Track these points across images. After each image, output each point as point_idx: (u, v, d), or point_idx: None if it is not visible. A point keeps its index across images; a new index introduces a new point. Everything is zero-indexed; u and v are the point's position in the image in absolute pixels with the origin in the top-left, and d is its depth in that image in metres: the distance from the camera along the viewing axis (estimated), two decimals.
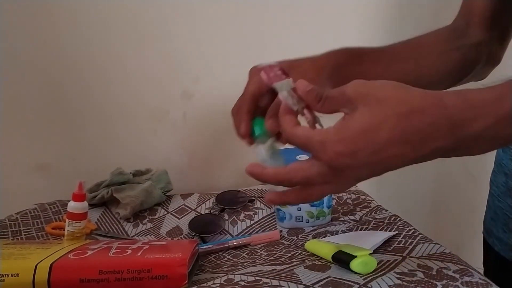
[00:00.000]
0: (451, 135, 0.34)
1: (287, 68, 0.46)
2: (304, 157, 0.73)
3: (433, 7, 0.95)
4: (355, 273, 0.49)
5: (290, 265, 0.54)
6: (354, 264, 0.49)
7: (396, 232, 0.59)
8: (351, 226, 0.66)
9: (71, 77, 0.87)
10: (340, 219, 0.72)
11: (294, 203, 0.43)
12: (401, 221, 0.63)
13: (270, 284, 0.47)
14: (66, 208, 0.60)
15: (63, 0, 0.83)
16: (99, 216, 0.76)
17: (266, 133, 0.46)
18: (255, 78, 0.47)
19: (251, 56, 0.93)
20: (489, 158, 0.80)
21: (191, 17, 0.88)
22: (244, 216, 0.74)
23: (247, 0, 0.88)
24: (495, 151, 0.68)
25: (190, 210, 0.78)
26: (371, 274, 0.48)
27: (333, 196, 0.75)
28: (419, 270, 0.48)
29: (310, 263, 0.54)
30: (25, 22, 0.83)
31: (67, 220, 0.59)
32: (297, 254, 0.59)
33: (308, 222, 0.70)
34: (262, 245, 0.65)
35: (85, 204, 0.60)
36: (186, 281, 0.48)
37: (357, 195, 0.79)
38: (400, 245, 0.56)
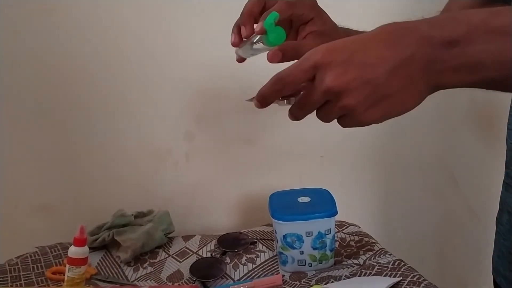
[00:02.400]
0: (426, 39, 0.36)
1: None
2: (305, 199, 0.73)
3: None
4: None
5: None
6: None
7: (401, 278, 0.58)
8: (354, 271, 0.65)
9: (74, 117, 0.89)
10: (343, 262, 0.71)
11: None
12: (406, 266, 0.62)
13: None
14: (67, 252, 0.60)
15: (67, 38, 0.85)
16: (100, 260, 0.75)
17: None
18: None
19: (253, 95, 0.95)
20: (493, 197, 0.80)
21: (195, 58, 0.90)
22: (246, 259, 0.73)
23: None
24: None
25: (192, 253, 0.77)
26: None
27: (336, 238, 0.74)
28: None
29: None
30: (27, 59, 0.84)
31: (67, 266, 0.59)
32: None
33: (311, 266, 0.69)
34: None
35: (85, 249, 0.60)
36: None
37: (360, 237, 0.78)
38: None
